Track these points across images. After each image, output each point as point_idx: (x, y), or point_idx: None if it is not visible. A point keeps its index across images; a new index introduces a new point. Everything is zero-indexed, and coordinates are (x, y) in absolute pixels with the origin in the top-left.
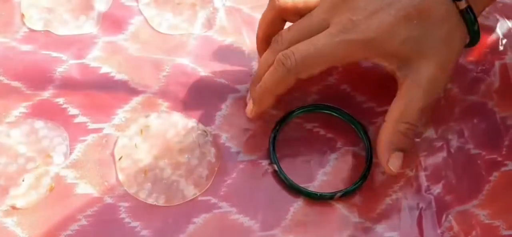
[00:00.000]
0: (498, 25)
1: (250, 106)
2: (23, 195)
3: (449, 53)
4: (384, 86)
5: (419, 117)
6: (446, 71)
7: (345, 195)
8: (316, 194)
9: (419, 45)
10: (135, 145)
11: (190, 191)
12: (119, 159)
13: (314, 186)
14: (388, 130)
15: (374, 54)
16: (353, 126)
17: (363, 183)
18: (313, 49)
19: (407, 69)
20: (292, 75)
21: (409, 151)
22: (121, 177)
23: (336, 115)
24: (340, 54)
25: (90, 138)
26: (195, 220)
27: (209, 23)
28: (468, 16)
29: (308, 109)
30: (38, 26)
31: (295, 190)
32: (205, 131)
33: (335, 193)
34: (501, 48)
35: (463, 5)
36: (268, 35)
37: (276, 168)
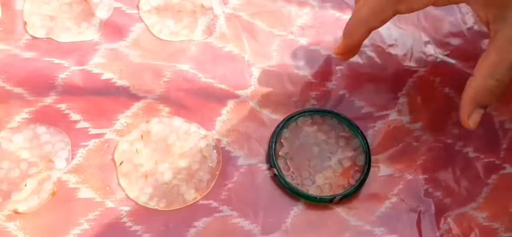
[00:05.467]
0: None
1: (339, 44)
2: (25, 199)
3: None
4: (383, 92)
5: (509, 74)
6: None
7: (344, 198)
8: (316, 198)
9: None
10: (136, 150)
11: (191, 195)
12: (120, 164)
13: (313, 189)
14: (477, 85)
15: None
16: (352, 131)
17: (361, 186)
18: None
19: (502, 22)
20: (391, 3)
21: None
22: (122, 181)
23: (335, 119)
24: None
25: (91, 143)
26: (196, 224)
27: (209, 30)
28: None
29: (308, 113)
30: (41, 34)
31: (294, 194)
32: (205, 136)
33: (334, 196)
34: None
35: None
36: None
37: (276, 172)
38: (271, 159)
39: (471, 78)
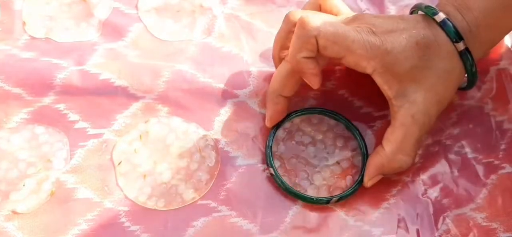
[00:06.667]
0: None
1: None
2: (24, 200)
3: (446, 90)
4: (382, 92)
5: (415, 150)
6: (441, 105)
7: (341, 199)
8: (312, 199)
9: (422, 75)
10: (135, 150)
11: (190, 195)
12: (119, 164)
13: (311, 190)
14: (386, 157)
15: (385, 69)
16: (350, 131)
17: (359, 188)
18: (336, 28)
19: (403, 99)
20: (309, 44)
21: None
22: (120, 181)
23: (333, 119)
24: (358, 48)
25: (90, 143)
26: (195, 223)
27: (208, 30)
28: (466, 58)
29: (305, 113)
30: (39, 34)
31: (291, 194)
32: (204, 136)
33: (331, 197)
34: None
35: (461, 47)
36: (284, 51)
37: (273, 172)
38: (268, 159)
39: (379, 148)
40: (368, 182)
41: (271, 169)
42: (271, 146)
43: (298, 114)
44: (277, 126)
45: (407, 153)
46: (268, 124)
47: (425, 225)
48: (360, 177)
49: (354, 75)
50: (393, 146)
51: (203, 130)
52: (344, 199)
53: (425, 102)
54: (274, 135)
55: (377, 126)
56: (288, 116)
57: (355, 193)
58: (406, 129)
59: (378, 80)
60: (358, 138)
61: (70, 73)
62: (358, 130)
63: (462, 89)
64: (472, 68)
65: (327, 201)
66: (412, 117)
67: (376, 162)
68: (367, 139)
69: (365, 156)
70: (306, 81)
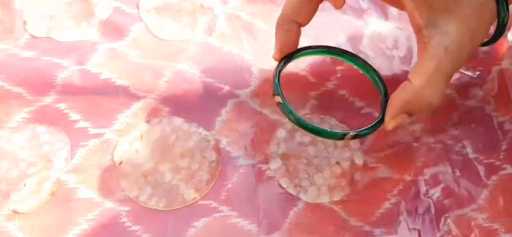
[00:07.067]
0: None
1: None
2: (24, 199)
3: (480, 25)
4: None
5: (445, 86)
6: (474, 41)
7: (357, 137)
8: (326, 131)
9: (455, 4)
10: (136, 150)
11: (191, 195)
12: (120, 163)
13: (312, 190)
14: (412, 91)
15: None
16: (368, 75)
17: (377, 127)
18: None
19: (434, 29)
20: None
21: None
22: (121, 181)
23: (348, 61)
24: None
25: (91, 143)
26: (196, 224)
27: (209, 30)
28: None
29: (317, 52)
30: (40, 33)
31: (302, 127)
32: (205, 136)
33: (347, 132)
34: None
35: None
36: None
37: (280, 100)
38: (274, 88)
39: (406, 83)
40: (389, 122)
41: (278, 97)
42: (279, 75)
43: (310, 51)
44: (285, 60)
45: (438, 89)
46: (277, 56)
47: (426, 225)
48: (381, 116)
49: (355, 75)
50: (423, 80)
51: (204, 130)
52: (360, 137)
53: (458, 34)
54: (281, 68)
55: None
56: (298, 52)
57: (373, 132)
58: (438, 61)
59: (409, 5)
60: (376, 77)
61: (71, 73)
62: (376, 72)
63: (486, 44)
64: (505, 16)
65: (342, 136)
66: (445, 49)
67: (402, 99)
68: (368, 140)
69: (384, 97)
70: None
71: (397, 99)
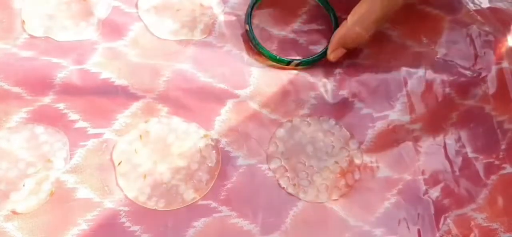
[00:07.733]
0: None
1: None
2: (23, 200)
3: None
4: (382, 92)
5: (372, 27)
6: None
7: (301, 65)
8: (275, 57)
9: None
10: (135, 150)
11: (190, 195)
12: (119, 164)
13: (311, 190)
14: (346, 28)
15: None
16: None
17: (321, 58)
18: None
19: None
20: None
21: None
22: (121, 181)
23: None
24: None
25: (90, 143)
26: (195, 224)
27: (209, 29)
28: None
29: None
30: (39, 33)
31: (259, 50)
32: (205, 136)
33: (292, 60)
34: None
35: None
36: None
37: (248, 28)
38: (246, 18)
39: (345, 22)
40: (330, 54)
41: (247, 26)
42: (253, 7)
43: None
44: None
45: (364, 28)
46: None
47: (426, 225)
48: (325, 49)
49: (355, 75)
50: (354, 18)
51: (203, 130)
52: (304, 65)
53: None
54: (256, 1)
55: (378, 126)
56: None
57: (316, 62)
58: (370, 6)
59: None
60: (331, 14)
61: (70, 73)
62: (332, 8)
63: None
64: None
65: (288, 63)
66: None
67: (339, 33)
68: (367, 139)
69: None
70: None
71: (335, 35)
